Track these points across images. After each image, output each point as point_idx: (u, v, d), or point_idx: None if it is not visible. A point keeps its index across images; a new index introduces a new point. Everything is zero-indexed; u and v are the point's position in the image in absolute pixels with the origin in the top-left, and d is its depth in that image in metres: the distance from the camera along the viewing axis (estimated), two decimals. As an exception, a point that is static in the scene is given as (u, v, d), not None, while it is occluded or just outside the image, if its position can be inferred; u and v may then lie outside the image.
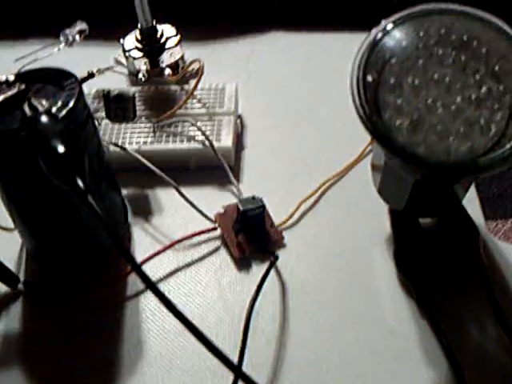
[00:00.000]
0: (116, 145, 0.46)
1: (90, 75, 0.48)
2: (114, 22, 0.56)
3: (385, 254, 0.42)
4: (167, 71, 0.54)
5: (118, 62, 0.57)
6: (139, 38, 0.54)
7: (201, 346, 0.37)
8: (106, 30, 0.56)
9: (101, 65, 0.50)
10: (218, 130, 0.48)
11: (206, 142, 0.47)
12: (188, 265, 0.43)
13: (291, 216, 0.44)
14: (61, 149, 0.33)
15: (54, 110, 0.36)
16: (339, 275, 0.41)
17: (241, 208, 0.42)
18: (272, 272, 0.41)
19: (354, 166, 0.47)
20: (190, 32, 0.55)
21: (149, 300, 0.41)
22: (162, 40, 0.54)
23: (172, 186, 0.44)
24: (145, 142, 0.47)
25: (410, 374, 0.37)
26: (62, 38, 0.53)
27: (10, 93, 0.37)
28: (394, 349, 0.38)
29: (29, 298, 0.42)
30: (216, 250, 0.44)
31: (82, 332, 0.40)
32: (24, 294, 0.42)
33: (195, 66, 0.52)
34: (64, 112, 0.36)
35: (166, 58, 0.55)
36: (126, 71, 0.55)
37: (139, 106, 0.49)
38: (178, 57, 0.55)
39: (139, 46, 0.54)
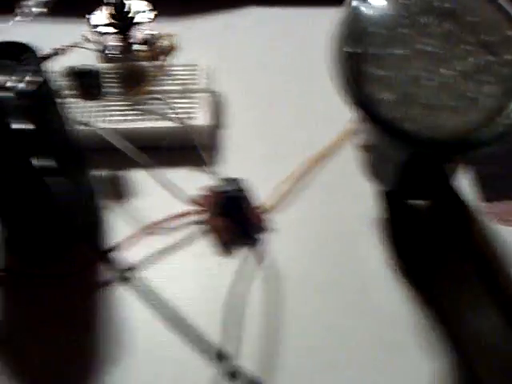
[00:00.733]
0: (85, 124, 0.43)
1: (55, 52, 0.45)
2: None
3: (375, 237, 0.40)
4: (137, 47, 0.50)
5: (86, 39, 0.53)
6: (107, 13, 0.51)
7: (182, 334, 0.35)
8: (72, 5, 0.52)
9: (67, 42, 0.47)
10: (193, 108, 0.45)
11: (180, 121, 0.43)
12: (164, 250, 0.40)
13: (273, 198, 0.41)
14: (15, 125, 0.30)
15: (8, 84, 0.33)
16: (328, 260, 0.40)
17: (221, 190, 0.40)
18: (253, 255, 0.39)
19: (338, 145, 0.45)
20: (161, 7, 0.51)
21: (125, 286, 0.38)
22: (131, 15, 0.51)
23: (146, 166, 0.41)
24: (116, 121, 0.44)
25: (407, 364, 0.36)
26: (19, 11, 0.49)
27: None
28: (388, 338, 0.36)
29: (6, 286, 0.39)
30: (194, 234, 0.41)
31: (60, 319, 0.38)
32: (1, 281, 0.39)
33: (167, 41, 0.49)
34: (20, 86, 0.33)
35: (136, 34, 0.51)
36: (92, 52, 0.52)
37: (109, 84, 0.46)
38: (148, 33, 0.51)
39: (107, 21, 0.51)
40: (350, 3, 0.34)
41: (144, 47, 0.51)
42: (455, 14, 0.33)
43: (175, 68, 0.48)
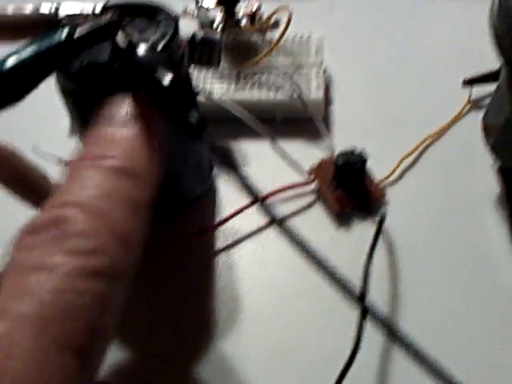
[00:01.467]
0: (204, 92, 0.43)
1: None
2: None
3: (496, 215, 0.39)
4: (244, 21, 0.50)
5: (187, 13, 0.53)
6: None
7: (302, 305, 0.35)
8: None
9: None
10: (306, 82, 0.45)
11: (295, 94, 0.43)
12: (281, 219, 0.39)
13: (392, 173, 0.41)
14: (167, 80, 0.29)
15: (150, 43, 0.32)
16: (449, 236, 0.38)
17: (341, 161, 0.39)
18: (372, 227, 0.38)
19: (453, 124, 0.44)
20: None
21: (241, 255, 0.38)
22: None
23: (262, 136, 0.41)
24: (228, 91, 0.44)
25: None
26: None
27: (100, 23, 0.34)
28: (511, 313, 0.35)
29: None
30: (311, 205, 0.41)
31: (172, 285, 0.37)
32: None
33: (276, 16, 0.48)
34: (161, 45, 0.32)
35: (243, 8, 0.51)
36: (196, 23, 0.52)
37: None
38: (255, 7, 0.51)
39: (213, -4, 0.51)
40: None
41: (250, 22, 0.51)
42: None
43: (286, 42, 0.47)
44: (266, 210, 0.26)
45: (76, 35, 0.30)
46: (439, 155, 0.42)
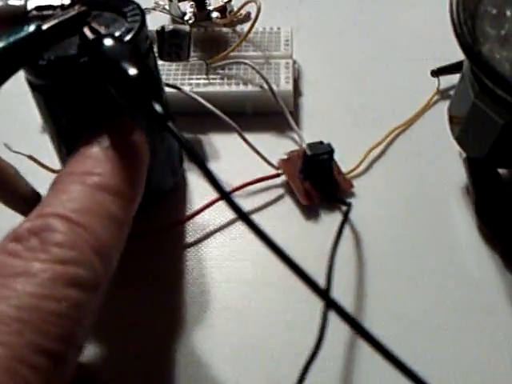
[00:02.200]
0: (170, 85, 0.43)
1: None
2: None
3: (462, 204, 0.40)
4: (215, 14, 0.50)
5: (159, 6, 0.53)
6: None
7: (270, 297, 0.35)
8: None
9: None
10: (275, 74, 0.45)
11: (265, 86, 0.43)
12: (250, 213, 0.40)
13: (360, 164, 0.41)
14: (133, 71, 0.29)
15: (116, 35, 0.32)
16: (415, 226, 0.39)
17: (309, 153, 0.39)
18: (339, 218, 0.38)
19: (421, 115, 0.44)
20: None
21: (211, 248, 0.39)
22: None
23: (230, 129, 0.41)
24: (197, 84, 0.44)
25: (496, 328, 0.35)
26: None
27: (68, 15, 0.34)
28: (478, 302, 0.36)
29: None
30: (279, 198, 0.41)
31: (142, 279, 0.37)
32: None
33: (247, 8, 0.49)
34: (129, 37, 0.33)
35: (213, 1, 0.51)
36: (167, 16, 0.52)
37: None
38: (226, 0, 0.51)
39: (184, -12, 0.51)
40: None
41: (221, 15, 0.51)
42: None
43: (255, 35, 0.48)
44: (232, 204, 0.26)
45: (44, 28, 0.30)
46: (407, 145, 0.43)
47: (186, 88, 0.44)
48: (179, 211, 0.40)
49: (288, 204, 0.40)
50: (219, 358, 0.34)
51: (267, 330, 0.35)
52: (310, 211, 0.39)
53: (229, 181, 0.41)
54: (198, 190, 0.41)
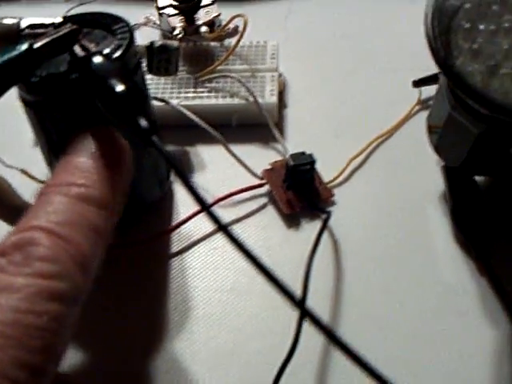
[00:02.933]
0: (158, 99, 0.44)
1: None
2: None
3: (439, 212, 0.41)
4: (204, 29, 0.52)
5: (149, 22, 0.55)
6: (173, -5, 0.52)
7: (250, 304, 0.36)
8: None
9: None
10: (261, 87, 0.46)
11: (250, 98, 0.45)
12: (234, 222, 0.41)
13: (341, 174, 0.42)
14: (119, 88, 0.31)
15: (105, 52, 0.34)
16: (393, 233, 0.40)
17: (291, 163, 0.40)
18: (320, 227, 0.40)
19: (402, 124, 0.46)
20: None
21: (194, 257, 0.40)
22: (197, -2, 0.52)
23: (216, 141, 0.43)
24: (186, 98, 0.46)
25: (470, 333, 0.36)
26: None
27: (59, 33, 0.35)
28: (453, 307, 0.37)
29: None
30: (263, 207, 0.42)
31: (125, 288, 0.39)
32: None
33: (236, 22, 0.50)
34: (117, 54, 0.34)
35: (202, 16, 0.52)
36: (157, 30, 0.53)
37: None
38: (214, 14, 0.53)
39: (174, 3, 0.53)
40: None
41: (209, 29, 0.53)
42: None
43: (242, 48, 0.49)
44: (212, 217, 0.27)
45: (36, 46, 0.31)
46: (387, 155, 0.44)
47: (175, 101, 0.45)
48: (165, 222, 0.41)
49: (271, 213, 0.41)
50: (198, 364, 0.35)
51: (246, 337, 0.36)
52: (292, 220, 0.41)
53: (214, 191, 0.42)
54: (185, 202, 0.42)
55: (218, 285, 0.38)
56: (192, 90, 0.46)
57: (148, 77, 0.46)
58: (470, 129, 0.36)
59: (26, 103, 0.35)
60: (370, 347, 0.34)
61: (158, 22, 0.54)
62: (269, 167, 0.42)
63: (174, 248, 0.40)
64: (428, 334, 0.36)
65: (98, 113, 0.31)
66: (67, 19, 0.37)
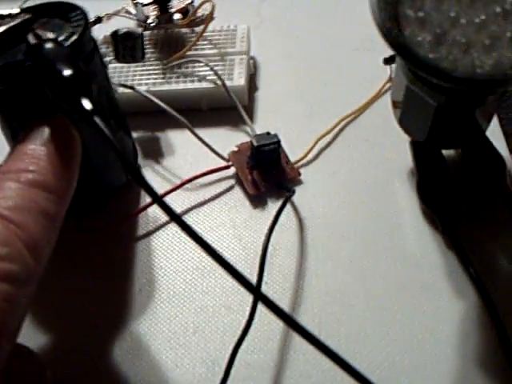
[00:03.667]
0: (125, 85, 0.44)
1: (98, 20, 0.47)
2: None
3: (407, 187, 0.40)
4: (177, 16, 0.52)
5: (127, 12, 0.55)
6: (147, -16, 0.52)
7: (214, 283, 0.36)
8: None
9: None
10: (230, 70, 0.46)
11: (218, 82, 0.45)
12: (201, 204, 0.41)
13: (308, 153, 0.42)
14: (66, 72, 0.31)
15: (60, 39, 0.34)
16: (360, 209, 0.40)
17: (255, 143, 0.40)
18: (289, 208, 0.40)
19: (372, 103, 0.45)
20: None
21: (160, 240, 0.40)
22: (171, -14, 0.52)
23: (184, 126, 0.43)
24: (154, 83, 0.46)
25: (437, 306, 0.36)
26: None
27: (13, 23, 0.36)
28: (419, 281, 0.36)
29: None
30: (230, 189, 0.42)
31: (91, 271, 0.39)
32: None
33: (206, 7, 0.50)
34: (70, 41, 0.34)
35: (176, 4, 0.52)
36: (133, 21, 0.53)
37: (149, 49, 0.48)
38: (187, 2, 0.52)
39: (148, -8, 0.53)
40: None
41: (183, 16, 0.53)
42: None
43: (213, 33, 0.49)
44: (164, 207, 0.27)
45: (-11, 36, 0.32)
46: (357, 133, 0.44)
47: (143, 88, 0.45)
48: (133, 206, 0.41)
49: (238, 194, 0.41)
50: (161, 343, 0.35)
51: (208, 316, 0.36)
52: (259, 200, 0.41)
53: (182, 175, 0.42)
54: (154, 185, 0.41)
55: (183, 265, 0.38)
56: (161, 76, 0.46)
57: (117, 65, 0.46)
58: (428, 101, 0.35)
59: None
60: (333, 322, 0.34)
61: (133, 12, 0.54)
62: (235, 149, 0.42)
63: (141, 231, 0.40)
64: (394, 309, 0.36)
65: (49, 99, 0.31)
66: (24, 10, 0.37)
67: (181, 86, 0.45)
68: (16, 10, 0.37)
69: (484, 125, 0.38)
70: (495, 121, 0.41)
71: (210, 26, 0.48)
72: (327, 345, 0.24)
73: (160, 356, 0.34)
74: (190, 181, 0.41)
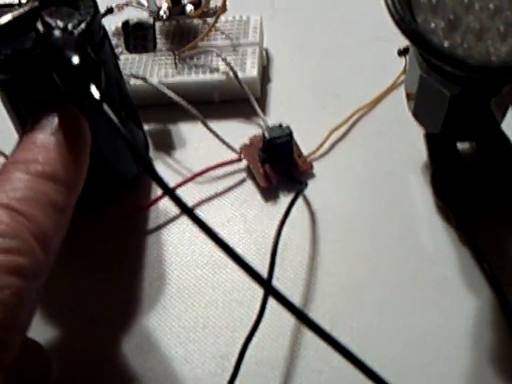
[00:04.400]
0: (136, 77, 0.44)
1: (109, 10, 0.46)
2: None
3: (421, 181, 0.39)
4: (189, 7, 0.51)
5: (138, 3, 0.54)
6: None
7: (224, 278, 0.36)
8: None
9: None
10: (242, 61, 0.45)
11: (231, 73, 0.44)
12: (212, 197, 0.41)
13: (321, 146, 0.42)
14: (75, 60, 0.31)
15: (69, 27, 0.34)
16: (373, 203, 0.39)
17: (267, 136, 0.39)
18: (301, 202, 0.39)
19: (386, 95, 0.45)
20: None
21: (171, 233, 0.39)
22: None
23: (196, 118, 0.42)
24: (166, 75, 0.45)
25: (450, 302, 0.35)
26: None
27: (21, 10, 0.35)
28: (433, 276, 0.36)
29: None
30: (241, 182, 0.41)
31: (100, 264, 0.38)
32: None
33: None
34: (79, 29, 0.34)
35: (189, -5, 0.52)
36: (145, 12, 0.53)
37: (160, 40, 0.47)
38: (200, -8, 0.52)
39: (160, -17, 0.52)
40: None
41: (195, 8, 0.52)
42: None
43: (225, 24, 0.48)
44: (174, 199, 0.27)
45: (-2, 24, 0.31)
46: (371, 125, 0.43)
47: (155, 79, 0.45)
48: (143, 198, 0.40)
49: (249, 187, 0.41)
50: (170, 338, 0.35)
51: (219, 311, 0.36)
52: (270, 193, 0.40)
53: (194, 167, 0.42)
54: (165, 177, 0.41)
55: (194, 260, 0.38)
56: (173, 67, 0.46)
57: (129, 56, 0.46)
58: (443, 92, 0.35)
59: (-5, 82, 0.35)
60: (345, 318, 0.34)
61: (145, 3, 0.54)
62: (247, 142, 0.41)
63: (151, 224, 0.40)
64: (407, 304, 0.35)
65: (60, 88, 0.31)
66: None
67: (193, 78, 0.45)
68: (24, -1, 0.37)
69: (499, 117, 0.37)
70: (511, 113, 0.40)
71: (223, 17, 0.47)
72: (338, 340, 0.24)
73: (169, 351, 0.34)
74: (201, 173, 0.41)
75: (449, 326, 0.34)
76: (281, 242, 0.36)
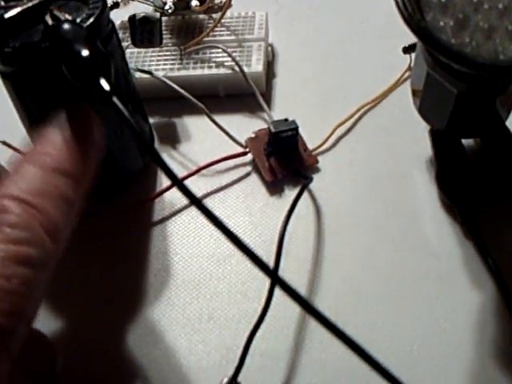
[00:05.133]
0: (143, 70, 0.44)
1: (115, 4, 0.46)
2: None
3: (426, 177, 0.40)
4: (194, 2, 0.51)
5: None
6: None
7: (229, 270, 0.36)
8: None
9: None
10: (247, 56, 0.46)
11: (236, 68, 0.44)
12: (217, 190, 0.41)
13: (326, 141, 0.42)
14: (85, 52, 0.31)
15: (77, 21, 0.34)
16: (378, 198, 0.39)
17: (273, 130, 0.40)
18: (306, 196, 0.39)
19: (391, 91, 0.45)
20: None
21: (176, 225, 0.40)
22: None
23: (201, 111, 0.42)
24: (172, 69, 0.45)
25: (454, 297, 0.35)
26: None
27: (30, 3, 0.35)
28: (437, 271, 0.36)
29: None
30: (246, 175, 0.42)
31: (106, 256, 0.38)
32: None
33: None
34: (87, 23, 0.34)
35: (194, -10, 0.52)
36: (151, 7, 0.53)
37: (166, 35, 0.47)
38: (205, -12, 0.52)
39: (165, -22, 0.52)
40: None
41: (200, 3, 0.52)
42: None
43: (231, 20, 0.49)
44: (184, 191, 0.27)
45: (6, 16, 0.31)
46: (375, 121, 0.43)
47: (161, 73, 0.45)
48: (149, 190, 0.41)
49: (254, 181, 0.41)
50: (175, 329, 0.35)
51: (224, 302, 0.36)
52: (275, 187, 0.40)
53: (199, 161, 0.42)
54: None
55: (199, 251, 0.38)
56: (179, 61, 0.46)
57: (135, 50, 0.46)
58: (449, 89, 0.35)
59: (3, 75, 0.35)
60: (349, 311, 0.34)
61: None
62: (253, 135, 0.42)
63: (157, 216, 0.40)
64: (411, 298, 0.35)
65: (68, 81, 0.31)
66: None
67: (198, 72, 0.45)
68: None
69: (504, 115, 0.38)
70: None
71: (228, 13, 0.48)
72: (343, 330, 0.24)
73: (174, 342, 0.34)
74: (206, 167, 0.41)
75: (452, 319, 0.34)
76: (286, 236, 0.36)
